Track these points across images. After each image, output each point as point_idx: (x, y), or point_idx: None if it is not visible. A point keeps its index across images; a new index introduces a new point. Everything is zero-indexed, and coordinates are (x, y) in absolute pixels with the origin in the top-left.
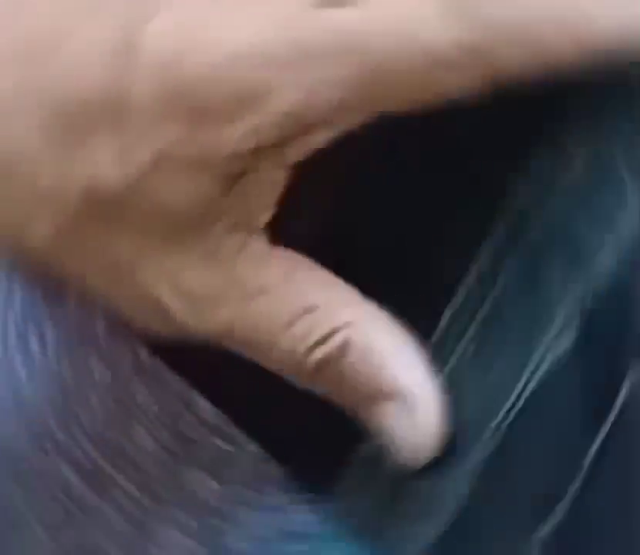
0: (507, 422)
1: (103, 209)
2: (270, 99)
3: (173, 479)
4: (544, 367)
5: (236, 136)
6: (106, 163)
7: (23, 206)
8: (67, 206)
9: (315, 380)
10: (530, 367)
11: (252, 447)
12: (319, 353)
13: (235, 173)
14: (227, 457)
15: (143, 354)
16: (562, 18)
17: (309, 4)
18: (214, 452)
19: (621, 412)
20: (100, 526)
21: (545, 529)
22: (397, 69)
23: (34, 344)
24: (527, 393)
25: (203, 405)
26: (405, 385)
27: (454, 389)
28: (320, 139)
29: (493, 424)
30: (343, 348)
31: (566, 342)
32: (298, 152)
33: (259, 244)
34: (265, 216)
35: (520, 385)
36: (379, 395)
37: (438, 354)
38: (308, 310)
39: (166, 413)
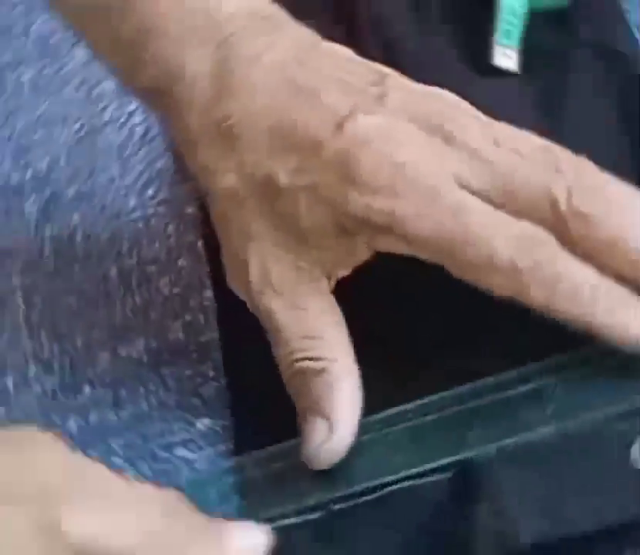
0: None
1: (265, 192)
2: (389, 205)
3: (157, 319)
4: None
5: (357, 203)
6: (285, 171)
7: (228, 167)
8: (251, 179)
9: (289, 382)
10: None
11: (214, 336)
12: (303, 365)
13: (346, 226)
14: (194, 330)
15: (200, 245)
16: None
17: (457, 184)
18: (189, 321)
19: None
20: (99, 299)
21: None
22: (460, 250)
23: (150, 190)
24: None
25: (208, 293)
26: (339, 415)
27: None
28: (401, 249)
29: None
30: (320, 371)
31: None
32: (384, 245)
33: (326, 286)
34: (343, 272)
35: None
36: (320, 411)
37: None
38: (318, 337)
39: (187, 281)
